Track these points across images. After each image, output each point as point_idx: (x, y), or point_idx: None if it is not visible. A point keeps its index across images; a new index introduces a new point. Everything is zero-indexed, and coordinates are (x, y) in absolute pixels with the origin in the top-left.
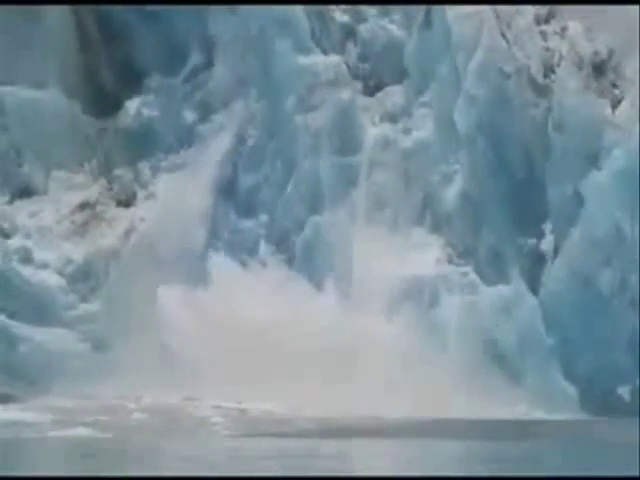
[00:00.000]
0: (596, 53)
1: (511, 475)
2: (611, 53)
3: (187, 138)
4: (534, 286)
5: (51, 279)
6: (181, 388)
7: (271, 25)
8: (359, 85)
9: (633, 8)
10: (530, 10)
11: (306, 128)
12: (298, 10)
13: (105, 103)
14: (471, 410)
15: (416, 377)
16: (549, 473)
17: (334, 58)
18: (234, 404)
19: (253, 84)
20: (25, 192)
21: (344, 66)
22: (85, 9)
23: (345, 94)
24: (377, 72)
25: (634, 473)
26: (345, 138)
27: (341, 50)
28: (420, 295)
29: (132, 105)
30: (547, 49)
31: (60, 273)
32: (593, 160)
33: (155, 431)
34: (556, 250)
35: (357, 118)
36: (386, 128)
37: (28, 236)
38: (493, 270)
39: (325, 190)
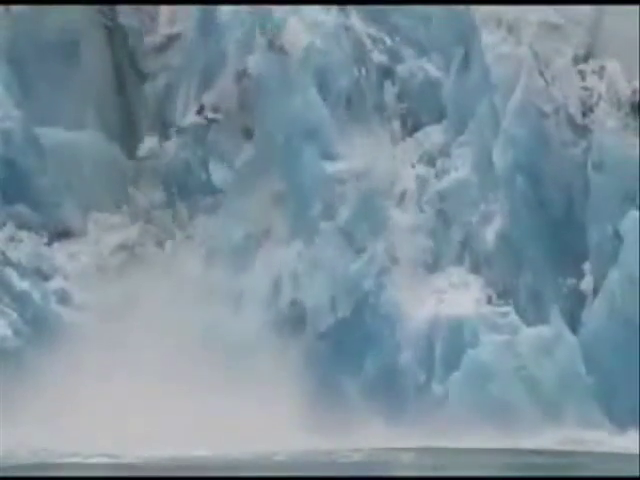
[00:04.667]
0: (634, 92)
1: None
2: None
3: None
4: (574, 326)
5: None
6: None
7: None
8: (397, 124)
9: None
10: (569, 50)
11: None
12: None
13: (143, 144)
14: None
15: (457, 417)
16: None
17: None
18: None
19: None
20: (64, 233)
21: None
22: (123, 50)
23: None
24: (415, 112)
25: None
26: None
27: (379, 90)
28: (460, 335)
29: (169, 146)
30: (585, 88)
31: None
32: (632, 200)
33: None
34: (596, 290)
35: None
36: (424, 168)
37: (67, 278)
38: (533, 310)
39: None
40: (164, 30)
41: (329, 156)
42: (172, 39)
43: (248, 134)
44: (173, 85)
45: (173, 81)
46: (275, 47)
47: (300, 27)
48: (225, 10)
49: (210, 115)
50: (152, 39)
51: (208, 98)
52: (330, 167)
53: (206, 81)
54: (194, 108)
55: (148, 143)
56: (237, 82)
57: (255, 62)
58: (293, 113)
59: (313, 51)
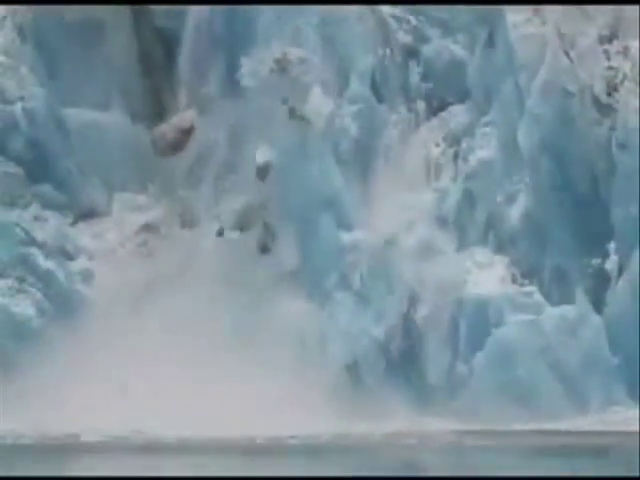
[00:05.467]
0: None
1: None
2: None
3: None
4: (598, 306)
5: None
6: None
7: None
8: (422, 105)
9: None
10: (593, 30)
11: None
12: None
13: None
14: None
15: (482, 397)
16: None
17: None
18: None
19: None
20: (88, 213)
21: None
22: (148, 30)
23: None
24: (440, 92)
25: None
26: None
27: (404, 70)
28: (484, 315)
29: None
30: (610, 68)
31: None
32: None
33: None
34: (620, 270)
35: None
36: (449, 147)
37: (92, 258)
38: (557, 290)
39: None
40: (178, 121)
41: (346, 226)
42: (187, 132)
43: (265, 249)
44: (190, 188)
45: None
46: (296, 116)
47: (322, 97)
48: (247, 73)
49: (229, 236)
50: (165, 133)
51: (226, 209)
52: (347, 237)
53: (225, 178)
54: (215, 227)
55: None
56: (259, 177)
57: (276, 136)
58: (310, 183)
59: (334, 120)
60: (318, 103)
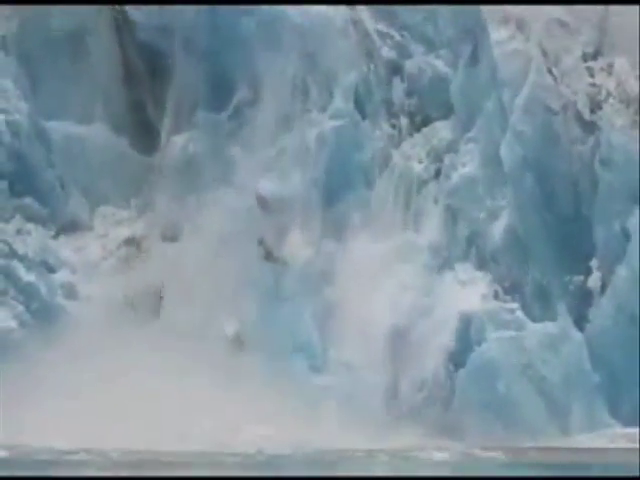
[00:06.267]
0: None
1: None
2: None
3: (233, 173)
4: (580, 323)
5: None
6: None
7: None
8: (405, 120)
9: None
10: (577, 47)
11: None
12: None
13: (151, 138)
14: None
15: (464, 411)
16: None
17: None
18: None
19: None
20: (71, 227)
21: None
22: (131, 44)
23: None
24: (423, 108)
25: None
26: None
27: (387, 86)
28: (466, 331)
29: (178, 140)
30: (594, 85)
31: (105, 308)
32: None
33: None
34: (603, 287)
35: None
36: (432, 164)
37: (73, 271)
38: (539, 306)
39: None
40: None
41: (316, 369)
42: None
43: None
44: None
45: None
46: (272, 257)
47: (300, 240)
48: (224, 211)
49: None
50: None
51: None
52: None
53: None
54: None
55: (157, 137)
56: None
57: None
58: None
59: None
60: (296, 245)
